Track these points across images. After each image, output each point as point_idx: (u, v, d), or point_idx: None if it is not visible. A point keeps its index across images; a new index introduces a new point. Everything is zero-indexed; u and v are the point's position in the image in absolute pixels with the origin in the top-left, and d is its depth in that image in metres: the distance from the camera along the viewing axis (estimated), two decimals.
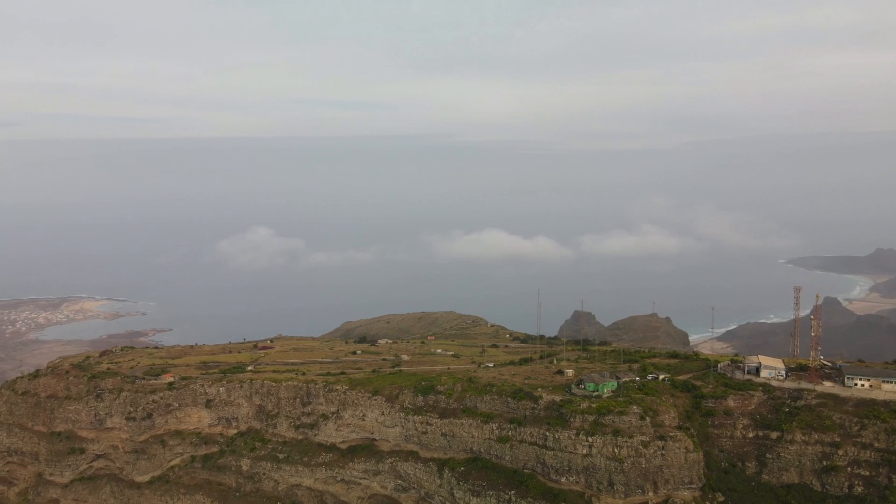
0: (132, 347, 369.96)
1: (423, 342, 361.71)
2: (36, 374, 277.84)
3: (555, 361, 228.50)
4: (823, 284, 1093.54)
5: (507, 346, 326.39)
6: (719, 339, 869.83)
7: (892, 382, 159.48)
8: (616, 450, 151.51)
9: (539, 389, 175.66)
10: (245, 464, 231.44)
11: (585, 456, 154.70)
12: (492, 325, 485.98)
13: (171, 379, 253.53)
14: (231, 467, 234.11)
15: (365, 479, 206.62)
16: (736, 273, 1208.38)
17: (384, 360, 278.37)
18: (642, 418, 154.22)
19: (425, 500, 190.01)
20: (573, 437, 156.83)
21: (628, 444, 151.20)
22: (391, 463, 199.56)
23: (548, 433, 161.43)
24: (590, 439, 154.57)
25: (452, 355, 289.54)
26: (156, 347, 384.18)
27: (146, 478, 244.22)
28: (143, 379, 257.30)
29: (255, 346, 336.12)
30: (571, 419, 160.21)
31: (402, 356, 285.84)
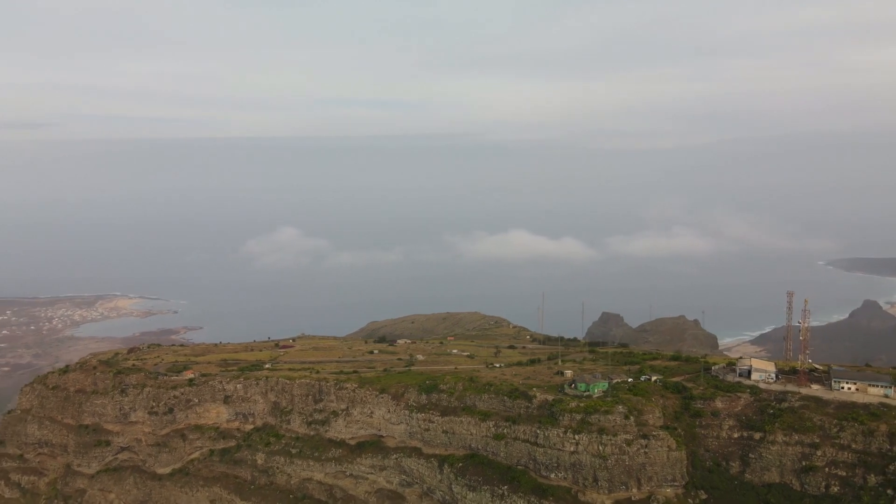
0: (159, 345, 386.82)
1: (441, 342, 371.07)
2: (66, 370, 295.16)
3: (559, 362, 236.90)
4: (864, 287, 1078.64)
5: (524, 348, 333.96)
6: (753, 342, 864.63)
7: (877, 386, 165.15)
8: (601, 447, 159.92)
9: (534, 389, 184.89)
10: (260, 458, 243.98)
11: (573, 453, 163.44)
12: (514, 327, 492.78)
13: (192, 376, 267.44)
14: (247, 461, 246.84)
15: (372, 473, 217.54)
16: (772, 275, 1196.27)
17: (399, 359, 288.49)
18: (627, 417, 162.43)
19: (428, 495, 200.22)
20: (561, 435, 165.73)
21: (612, 442, 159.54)
22: (396, 459, 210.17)
23: (539, 431, 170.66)
24: (576, 437, 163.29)
25: (468, 356, 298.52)
26: (181, 345, 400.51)
27: (167, 470, 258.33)
28: (165, 375, 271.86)
29: (277, 345, 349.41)
30: (561, 418, 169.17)
31: (418, 356, 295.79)
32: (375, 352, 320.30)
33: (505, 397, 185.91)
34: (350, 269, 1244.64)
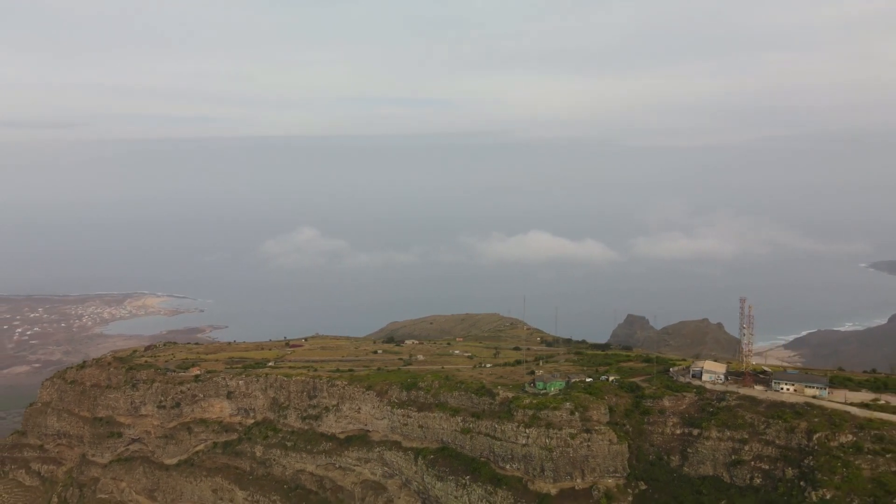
0: (175, 343, 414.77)
1: (448, 343, 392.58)
2: (83, 365, 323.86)
3: (540, 364, 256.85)
4: None
5: (528, 349, 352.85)
6: (786, 346, 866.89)
7: (813, 387, 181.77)
8: (548, 440, 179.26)
9: (499, 387, 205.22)
10: (258, 450, 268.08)
11: (524, 445, 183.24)
12: (528, 329, 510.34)
13: (198, 372, 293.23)
14: (247, 453, 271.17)
15: (358, 465, 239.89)
16: (808, 278, 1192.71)
17: (400, 359, 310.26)
18: (572, 413, 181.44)
19: (406, 486, 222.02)
20: (515, 430, 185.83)
21: (558, 435, 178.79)
22: (379, 452, 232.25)
23: (497, 425, 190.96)
24: (527, 431, 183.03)
25: (468, 356, 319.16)
26: (196, 344, 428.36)
27: (174, 461, 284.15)
28: (174, 371, 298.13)
29: (287, 345, 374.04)
30: (516, 413, 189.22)
31: (418, 356, 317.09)
32: (379, 352, 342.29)
33: (472, 394, 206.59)
34: (370, 269, 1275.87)
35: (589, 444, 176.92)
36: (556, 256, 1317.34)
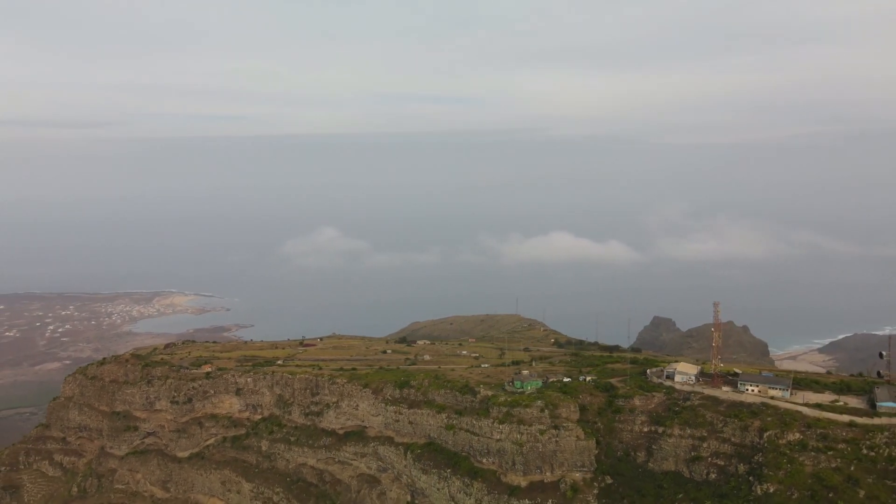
0: (193, 341, 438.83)
1: (460, 344, 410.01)
2: (102, 362, 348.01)
3: (532, 364, 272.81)
4: None
5: (538, 350, 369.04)
6: (821, 350, 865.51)
7: (776, 389, 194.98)
8: (519, 436, 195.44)
9: (481, 386, 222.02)
10: (264, 445, 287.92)
11: (498, 440, 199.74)
12: (544, 330, 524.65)
13: (209, 370, 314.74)
14: (253, 447, 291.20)
15: (355, 460, 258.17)
16: (846, 280, 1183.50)
17: (407, 359, 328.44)
18: (542, 411, 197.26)
19: (398, 479, 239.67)
20: (490, 425, 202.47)
21: (528, 431, 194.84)
22: (373, 447, 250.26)
23: (475, 422, 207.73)
24: (501, 427, 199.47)
25: (475, 356, 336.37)
26: (213, 342, 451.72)
27: (186, 454, 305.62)
28: (187, 368, 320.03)
29: (301, 344, 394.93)
30: (492, 410, 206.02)
31: (425, 356, 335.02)
32: (388, 352, 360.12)
33: (457, 393, 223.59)
34: (391, 270, 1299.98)
35: (557, 439, 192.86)
36: (578, 257, 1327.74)
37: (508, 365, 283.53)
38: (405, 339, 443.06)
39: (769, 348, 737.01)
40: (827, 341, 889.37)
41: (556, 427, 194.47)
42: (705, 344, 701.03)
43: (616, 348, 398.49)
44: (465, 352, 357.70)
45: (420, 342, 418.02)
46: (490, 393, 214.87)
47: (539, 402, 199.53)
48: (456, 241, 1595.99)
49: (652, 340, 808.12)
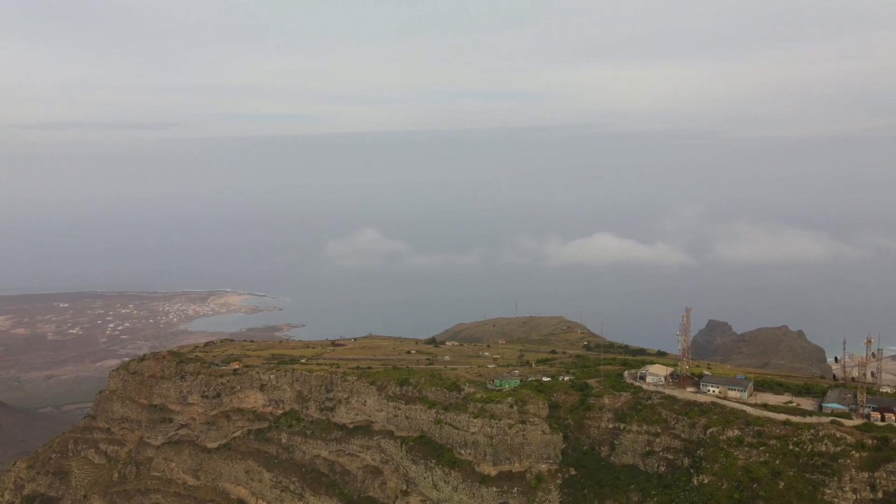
0: (231, 340, 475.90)
1: (489, 346, 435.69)
2: (143, 358, 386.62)
3: (532, 365, 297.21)
4: None
5: (564, 353, 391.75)
6: (895, 358, 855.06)
7: (735, 390, 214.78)
8: (490, 429, 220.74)
9: (467, 384, 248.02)
10: (284, 437, 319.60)
11: (473, 434, 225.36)
12: (581, 333, 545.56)
13: (237, 367, 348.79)
14: (274, 440, 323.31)
15: (361, 452, 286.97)
16: None
17: (427, 359, 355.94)
18: (511, 407, 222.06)
19: (396, 470, 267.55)
20: (467, 420, 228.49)
21: (498, 425, 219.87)
22: (377, 440, 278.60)
23: (456, 416, 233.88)
24: (475, 421, 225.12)
25: (495, 357, 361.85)
26: (251, 341, 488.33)
27: (215, 445, 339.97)
28: (217, 365, 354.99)
29: (333, 343, 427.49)
30: (469, 406, 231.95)
31: (445, 357, 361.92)
32: (412, 352, 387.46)
33: (445, 389, 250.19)
34: (434, 271, 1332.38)
35: (524, 433, 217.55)
36: (623, 259, 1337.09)
37: (509, 366, 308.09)
38: (434, 339, 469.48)
39: (826, 354, 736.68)
40: None
41: (523, 422, 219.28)
42: (757, 349, 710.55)
43: (641, 352, 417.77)
44: (486, 353, 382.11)
45: (448, 343, 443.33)
46: (472, 390, 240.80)
47: (509, 399, 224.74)
48: (497, 242, 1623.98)
49: (706, 345, 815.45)
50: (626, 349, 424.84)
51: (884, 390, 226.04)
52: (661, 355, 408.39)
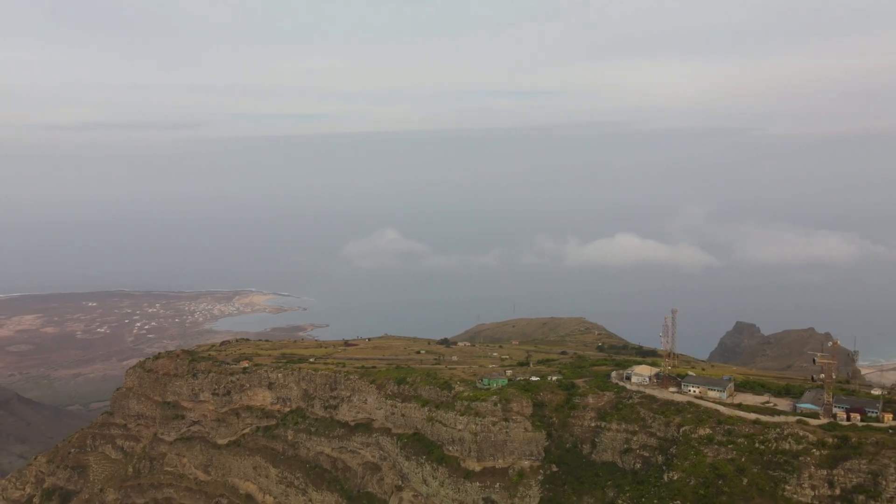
0: (247, 339, 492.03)
1: (500, 346, 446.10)
2: (157, 357, 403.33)
3: (530, 365, 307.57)
4: None
5: (574, 354, 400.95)
6: None
7: (715, 390, 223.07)
8: (474, 426, 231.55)
9: (458, 383, 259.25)
10: (290, 434, 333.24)
11: (460, 431, 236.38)
12: (598, 334, 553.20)
13: (246, 365, 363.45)
14: (281, 437, 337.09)
15: (362, 449, 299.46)
16: None
17: (435, 359, 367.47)
18: (496, 405, 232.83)
19: (393, 466, 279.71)
20: (455, 417, 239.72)
21: (482, 422, 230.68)
22: (375, 437, 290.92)
23: (445, 414, 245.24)
24: (461, 418, 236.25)
25: (503, 358, 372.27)
26: (266, 341, 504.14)
27: (225, 441, 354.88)
28: (228, 364, 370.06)
29: (346, 343, 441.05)
30: (457, 404, 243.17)
31: (452, 357, 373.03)
32: (422, 352, 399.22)
33: (438, 388, 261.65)
34: (454, 271, 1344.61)
35: (507, 430, 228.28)
36: (645, 259, 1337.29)
37: (516, 366, 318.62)
38: (447, 340, 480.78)
39: (858, 356, 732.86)
40: None
41: (507, 419, 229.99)
42: (781, 351, 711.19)
43: (653, 353, 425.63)
44: (494, 353, 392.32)
45: (461, 344, 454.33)
46: (461, 389, 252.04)
47: (494, 398, 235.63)
48: (516, 242, 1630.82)
49: (733, 346, 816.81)
50: (640, 350, 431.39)
51: (875, 392, 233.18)
52: (672, 356, 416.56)
